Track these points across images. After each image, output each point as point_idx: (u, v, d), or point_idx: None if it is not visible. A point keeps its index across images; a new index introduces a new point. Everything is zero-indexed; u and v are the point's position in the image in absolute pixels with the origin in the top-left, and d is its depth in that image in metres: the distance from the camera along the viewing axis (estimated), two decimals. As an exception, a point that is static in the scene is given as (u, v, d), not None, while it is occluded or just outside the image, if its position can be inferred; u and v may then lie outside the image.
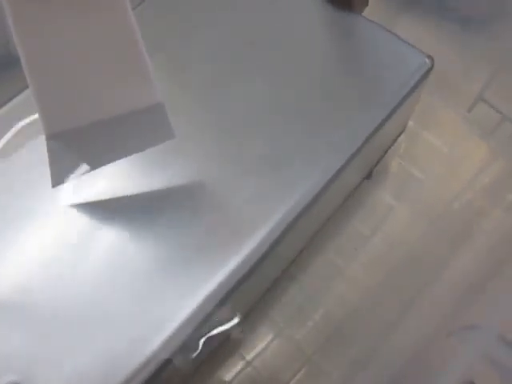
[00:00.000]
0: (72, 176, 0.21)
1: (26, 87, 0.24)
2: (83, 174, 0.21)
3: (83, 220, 0.22)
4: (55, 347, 0.19)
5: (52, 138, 0.18)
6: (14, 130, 0.23)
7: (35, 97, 0.16)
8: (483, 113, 0.31)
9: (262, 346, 0.27)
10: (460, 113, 0.32)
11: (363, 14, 0.28)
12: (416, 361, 0.24)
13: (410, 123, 0.31)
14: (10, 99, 0.24)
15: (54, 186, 0.21)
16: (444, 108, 0.33)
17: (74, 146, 0.19)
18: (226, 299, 0.21)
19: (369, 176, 0.30)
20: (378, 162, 0.29)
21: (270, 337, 0.27)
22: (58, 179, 0.20)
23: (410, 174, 0.31)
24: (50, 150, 0.19)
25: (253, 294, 0.27)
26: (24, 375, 0.19)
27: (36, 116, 0.23)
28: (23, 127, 0.24)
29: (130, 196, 0.22)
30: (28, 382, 0.19)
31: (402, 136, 0.31)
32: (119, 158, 0.20)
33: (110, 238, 0.21)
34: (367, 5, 0.28)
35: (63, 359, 0.19)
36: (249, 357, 0.27)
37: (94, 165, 0.20)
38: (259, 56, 0.25)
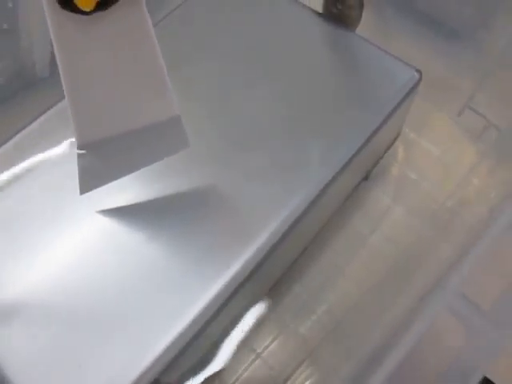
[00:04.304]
0: (98, 184, 0.22)
1: (52, 105, 0.27)
2: (108, 182, 0.22)
3: (104, 224, 0.23)
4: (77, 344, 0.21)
5: (83, 148, 0.20)
6: (43, 143, 0.25)
7: (72, 111, 0.18)
8: (471, 119, 0.33)
9: (270, 339, 0.28)
10: (451, 119, 0.34)
11: (358, 27, 0.31)
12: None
13: (406, 129, 0.33)
14: (39, 115, 0.26)
15: (81, 193, 0.22)
16: (436, 115, 0.34)
17: (101, 156, 0.21)
18: (233, 297, 0.22)
19: (366, 178, 0.31)
20: (374, 166, 0.31)
21: (276, 331, 0.29)
22: (85, 187, 0.22)
23: (405, 175, 0.33)
24: (80, 160, 0.21)
25: (259, 291, 0.28)
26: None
27: (61, 130, 0.25)
28: (49, 141, 0.26)
29: (146, 201, 0.24)
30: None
31: (398, 141, 0.33)
32: (141, 167, 0.22)
33: (126, 239, 0.23)
34: (360, 21, 0.30)
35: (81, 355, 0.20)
36: (259, 349, 0.28)
37: (119, 174, 0.22)
38: (260, 71, 0.27)
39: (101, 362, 0.20)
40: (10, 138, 0.26)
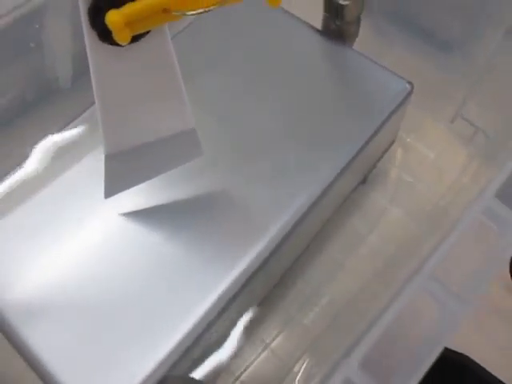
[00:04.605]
0: (122, 188, 0.25)
1: (77, 115, 0.29)
2: (131, 186, 0.25)
3: (126, 225, 0.25)
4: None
5: (110, 156, 0.22)
6: (72, 151, 0.27)
7: (102, 124, 0.20)
8: (462, 125, 0.35)
9: (277, 331, 0.30)
10: (444, 125, 0.36)
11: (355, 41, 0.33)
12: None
13: (403, 135, 0.35)
14: (65, 125, 0.29)
15: (106, 197, 0.24)
16: (431, 121, 0.37)
17: (125, 164, 0.23)
18: (241, 292, 0.24)
19: (364, 181, 0.33)
20: (370, 170, 0.33)
21: (282, 323, 0.31)
22: (110, 191, 0.24)
23: (401, 178, 0.35)
24: (106, 167, 0.23)
25: (266, 286, 0.29)
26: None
27: (87, 140, 0.27)
28: (76, 149, 0.28)
29: (162, 204, 0.26)
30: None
31: (396, 146, 0.35)
32: (160, 173, 0.24)
33: (144, 239, 0.25)
34: (357, 36, 0.33)
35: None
36: (268, 340, 0.30)
37: (140, 179, 0.24)
38: (263, 84, 0.29)
39: (123, 350, 0.22)
40: (38, 142, 0.28)
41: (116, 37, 0.15)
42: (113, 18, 0.14)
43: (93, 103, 0.28)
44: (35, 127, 0.33)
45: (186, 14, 0.15)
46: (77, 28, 0.30)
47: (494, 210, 0.13)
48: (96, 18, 0.15)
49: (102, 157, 0.23)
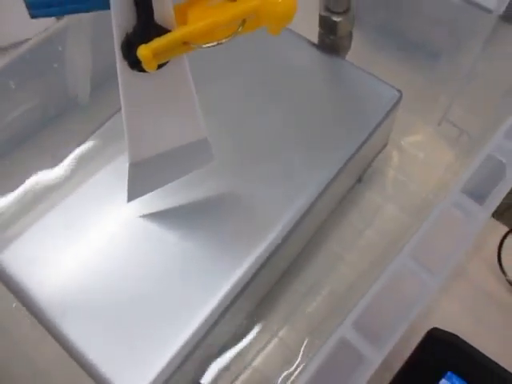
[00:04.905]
0: (143, 192, 0.27)
1: (97, 128, 0.32)
2: (151, 191, 0.27)
3: (146, 225, 0.28)
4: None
5: (133, 164, 0.25)
6: (98, 159, 0.30)
7: (127, 136, 0.23)
8: (448, 127, 0.38)
9: (283, 319, 0.32)
10: (432, 127, 0.39)
11: (348, 53, 0.35)
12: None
13: (395, 137, 0.37)
14: (86, 138, 0.31)
15: (129, 201, 0.27)
16: (420, 124, 0.39)
17: (146, 171, 0.26)
18: (252, 281, 0.26)
19: (359, 180, 0.36)
20: (365, 170, 0.36)
21: (288, 312, 0.33)
22: (132, 196, 0.27)
23: (394, 177, 0.37)
24: (130, 174, 0.25)
25: (271, 278, 0.32)
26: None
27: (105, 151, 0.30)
28: (101, 158, 0.31)
29: (178, 205, 0.28)
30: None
31: (388, 148, 0.37)
32: (177, 178, 0.27)
33: (162, 237, 0.27)
34: (350, 48, 0.36)
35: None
36: (275, 328, 0.32)
37: (159, 184, 0.27)
38: (264, 94, 0.31)
39: (148, 334, 0.25)
40: (59, 153, 0.31)
41: (145, 66, 0.18)
42: (143, 51, 0.17)
43: (108, 119, 0.32)
44: (56, 139, 0.37)
45: (201, 47, 0.18)
46: (95, 50, 0.34)
47: (460, 202, 0.16)
48: (128, 51, 0.18)
49: (121, 166, 0.25)
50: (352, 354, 0.14)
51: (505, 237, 0.35)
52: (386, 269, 0.15)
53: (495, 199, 0.16)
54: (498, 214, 0.36)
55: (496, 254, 0.35)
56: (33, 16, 0.16)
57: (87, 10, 0.16)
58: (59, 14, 0.16)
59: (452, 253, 0.15)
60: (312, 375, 0.13)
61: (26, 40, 0.34)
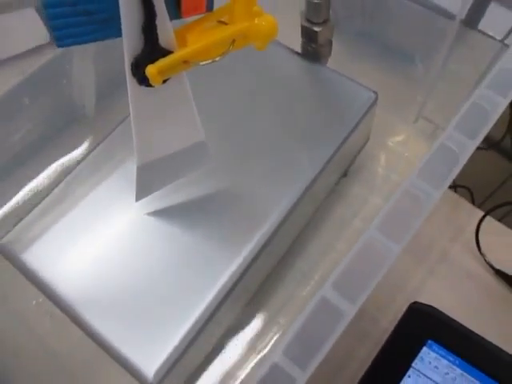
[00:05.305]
0: (149, 192, 0.30)
1: (103, 139, 0.35)
2: (156, 191, 0.30)
3: (152, 222, 0.30)
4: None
5: (141, 167, 0.28)
6: (108, 162, 0.33)
7: (136, 142, 0.26)
8: (424, 124, 0.41)
9: (280, 303, 0.35)
10: (409, 124, 0.42)
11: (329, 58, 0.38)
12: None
13: (376, 134, 0.40)
14: (95, 147, 0.34)
15: (137, 200, 0.30)
16: (398, 122, 0.42)
17: (152, 172, 0.29)
18: (247, 272, 0.29)
19: (345, 174, 0.39)
20: (349, 165, 0.39)
21: (285, 297, 0.35)
22: (140, 195, 0.30)
23: (376, 171, 0.41)
24: (138, 176, 0.28)
25: (268, 265, 0.34)
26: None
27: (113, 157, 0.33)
28: (110, 162, 0.34)
29: (180, 202, 0.31)
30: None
31: (370, 145, 0.40)
32: (179, 178, 0.30)
33: (166, 231, 0.30)
34: (330, 55, 0.39)
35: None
36: (272, 311, 0.35)
37: (164, 184, 0.30)
38: (252, 100, 0.34)
39: (160, 317, 0.28)
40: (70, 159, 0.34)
41: (152, 82, 0.22)
42: (151, 70, 0.21)
43: (114, 129, 0.35)
44: (65, 143, 0.40)
45: (199, 64, 0.22)
46: (99, 67, 0.38)
47: (418, 184, 0.19)
48: (136, 70, 0.22)
49: (127, 170, 0.28)
50: (330, 309, 0.17)
51: (481, 221, 0.38)
52: (358, 240, 0.19)
53: (447, 180, 0.19)
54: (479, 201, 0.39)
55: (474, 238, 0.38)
56: (58, 46, 0.19)
57: (103, 39, 0.20)
58: (81, 43, 0.20)
59: (412, 224, 0.19)
60: (298, 329, 0.17)
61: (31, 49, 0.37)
